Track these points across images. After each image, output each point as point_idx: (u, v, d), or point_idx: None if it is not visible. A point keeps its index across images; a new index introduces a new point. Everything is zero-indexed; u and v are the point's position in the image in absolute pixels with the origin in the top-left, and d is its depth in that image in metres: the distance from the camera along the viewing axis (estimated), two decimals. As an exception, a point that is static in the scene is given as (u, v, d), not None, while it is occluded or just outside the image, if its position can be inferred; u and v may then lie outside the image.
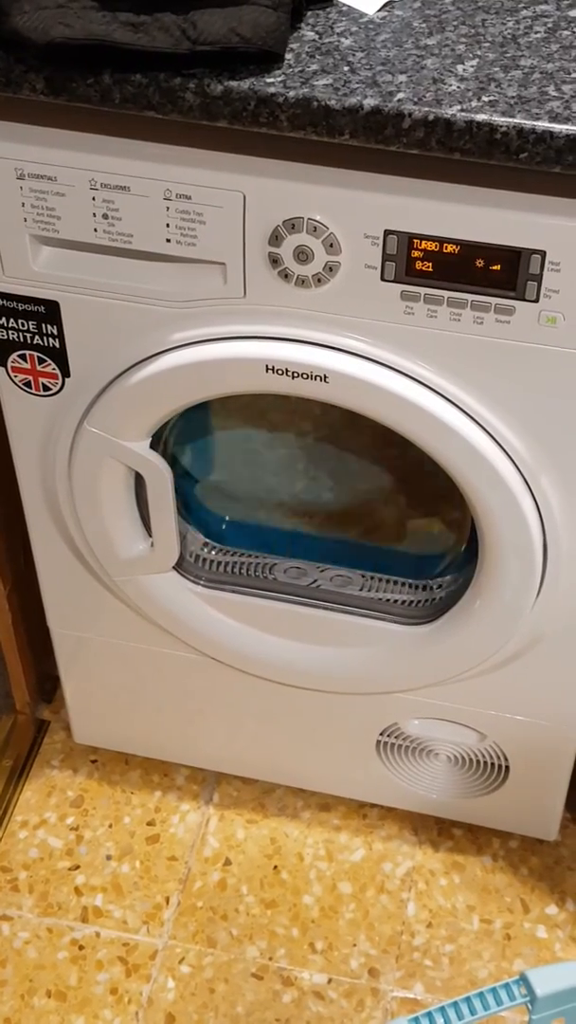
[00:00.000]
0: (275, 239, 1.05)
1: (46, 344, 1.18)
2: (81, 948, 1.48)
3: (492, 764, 1.46)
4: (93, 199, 1.06)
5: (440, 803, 1.53)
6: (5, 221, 1.09)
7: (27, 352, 1.19)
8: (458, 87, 0.97)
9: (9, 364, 1.20)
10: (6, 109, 1.05)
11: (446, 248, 1.02)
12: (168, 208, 1.05)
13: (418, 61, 0.99)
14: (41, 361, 1.19)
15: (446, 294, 1.04)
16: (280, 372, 1.11)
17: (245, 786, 1.62)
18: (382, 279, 1.05)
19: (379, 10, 1.04)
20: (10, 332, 1.18)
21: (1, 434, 1.29)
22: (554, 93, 0.96)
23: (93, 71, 0.99)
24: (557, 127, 0.94)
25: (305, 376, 1.11)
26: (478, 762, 1.47)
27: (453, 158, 0.97)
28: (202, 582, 1.35)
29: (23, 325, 1.17)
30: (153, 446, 1.22)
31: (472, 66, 0.99)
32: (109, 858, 1.56)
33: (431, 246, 1.02)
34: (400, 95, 0.96)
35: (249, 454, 1.37)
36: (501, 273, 1.02)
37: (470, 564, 1.26)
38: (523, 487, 1.14)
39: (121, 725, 1.59)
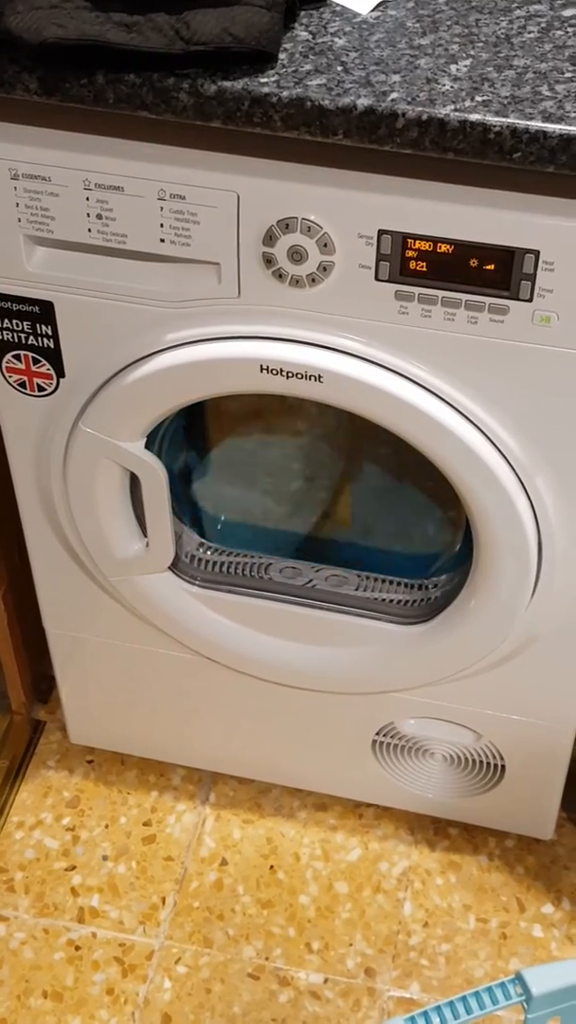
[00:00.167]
0: (269, 239, 1.05)
1: (41, 344, 1.18)
2: (77, 948, 1.48)
3: (488, 763, 1.46)
4: (87, 199, 1.06)
5: (436, 803, 1.53)
6: (-1, 221, 1.10)
7: (22, 352, 1.19)
8: (452, 87, 0.97)
9: (4, 364, 1.20)
10: None
11: (440, 248, 1.02)
12: (162, 208, 1.05)
13: (412, 61, 0.99)
14: (36, 361, 1.19)
15: (440, 294, 1.04)
16: (275, 372, 1.11)
17: (241, 786, 1.62)
18: (376, 279, 1.05)
19: (372, 10, 1.04)
20: (4, 332, 1.18)
21: (-4, 435, 1.30)
22: (547, 93, 0.96)
23: (86, 71, 0.99)
24: (550, 127, 0.94)
25: (300, 376, 1.11)
26: (474, 761, 1.47)
27: (447, 158, 0.97)
28: (197, 582, 1.35)
29: (17, 325, 1.17)
30: (148, 446, 1.22)
31: (466, 66, 0.99)
32: (105, 858, 1.56)
33: (425, 246, 1.02)
34: (394, 95, 0.96)
35: (244, 454, 1.37)
36: (495, 273, 1.02)
37: (465, 564, 1.26)
38: (518, 487, 1.14)
39: (117, 725, 1.59)
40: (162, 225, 1.06)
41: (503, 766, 1.46)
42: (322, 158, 1.02)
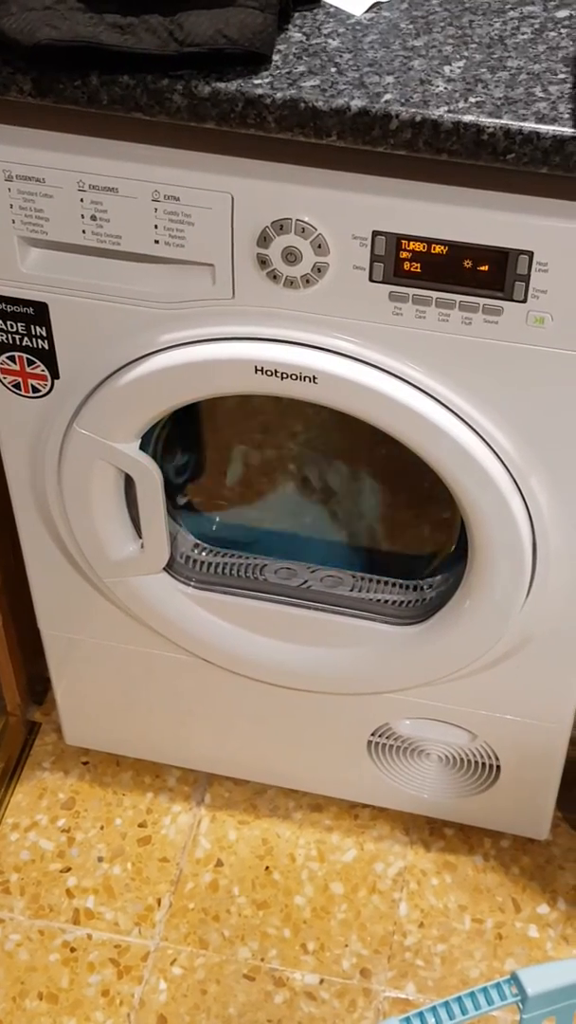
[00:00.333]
0: (263, 240, 1.05)
1: (35, 346, 1.18)
2: (73, 950, 1.47)
3: (483, 764, 1.46)
4: (81, 200, 1.06)
5: (431, 803, 1.53)
6: (-7, 223, 1.10)
7: (16, 354, 1.19)
8: (445, 88, 0.97)
9: (-2, 366, 1.20)
10: (-6, 111, 1.05)
11: (434, 249, 1.02)
12: (156, 209, 1.05)
13: (405, 62, 0.99)
14: (30, 363, 1.19)
15: (434, 295, 1.05)
16: (269, 373, 1.11)
17: (236, 787, 1.62)
18: (370, 280, 1.05)
19: (366, 11, 1.05)
20: (-1, 334, 1.18)
21: (-10, 436, 1.29)
22: (541, 94, 0.96)
23: (80, 73, 0.99)
24: (544, 128, 0.94)
25: (294, 377, 1.11)
26: (469, 762, 1.47)
27: (440, 159, 0.97)
28: (192, 583, 1.35)
29: (12, 327, 1.17)
30: (143, 447, 1.22)
31: (459, 67, 0.99)
32: (100, 860, 1.55)
33: (419, 247, 1.02)
34: (387, 96, 0.96)
35: (239, 454, 1.37)
36: (489, 274, 1.02)
37: (460, 564, 1.26)
38: (512, 487, 1.14)
39: (112, 727, 1.59)
40: (156, 226, 1.06)
41: (498, 766, 1.46)
42: (316, 159, 1.02)
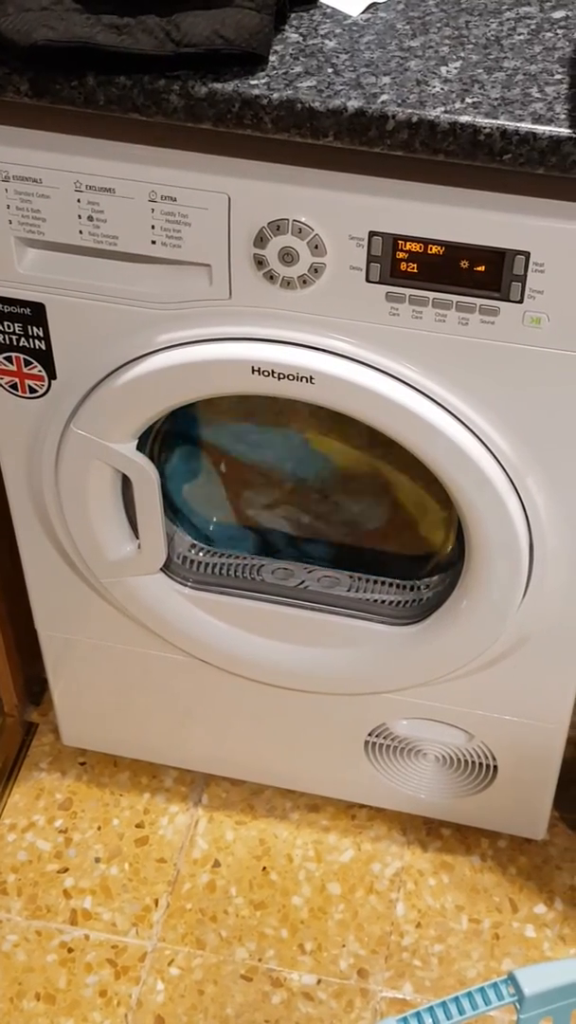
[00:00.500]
0: (260, 241, 1.05)
1: (32, 346, 1.18)
2: (70, 951, 1.47)
3: (480, 764, 1.46)
4: (78, 201, 1.06)
5: (429, 803, 1.53)
6: (-10, 223, 1.10)
7: (13, 354, 1.19)
8: (442, 89, 0.97)
9: (-5, 366, 1.20)
10: (-10, 111, 1.06)
11: (431, 249, 1.02)
12: (153, 210, 1.05)
13: (402, 63, 0.99)
14: (27, 363, 1.19)
15: (431, 295, 1.05)
16: (266, 373, 1.11)
17: (234, 788, 1.62)
18: (367, 280, 1.05)
19: (363, 12, 1.05)
20: (-4, 334, 1.18)
21: (-13, 436, 1.29)
22: (537, 95, 0.96)
23: (77, 73, 0.99)
24: (540, 128, 0.94)
25: (291, 377, 1.11)
26: (466, 762, 1.47)
27: (437, 159, 0.98)
28: (189, 584, 1.35)
29: (9, 327, 1.17)
30: (140, 448, 1.22)
31: (456, 68, 0.99)
32: (98, 860, 1.55)
33: (416, 247, 1.03)
34: (384, 97, 0.96)
35: (236, 455, 1.37)
36: (486, 274, 1.03)
37: (457, 564, 1.26)
38: (509, 487, 1.15)
39: (109, 727, 1.59)
40: (153, 227, 1.06)
41: (495, 766, 1.46)
42: (313, 160, 1.02)
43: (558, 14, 1.05)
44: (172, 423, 1.28)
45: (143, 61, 0.97)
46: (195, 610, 1.36)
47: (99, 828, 1.58)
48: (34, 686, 1.70)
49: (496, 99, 0.96)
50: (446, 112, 0.95)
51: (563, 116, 0.94)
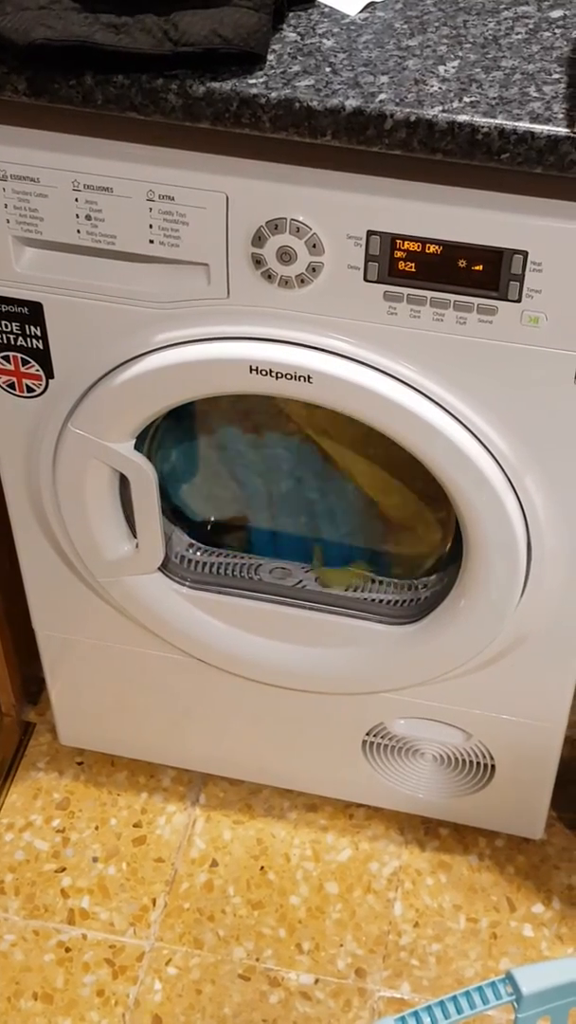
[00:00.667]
0: (258, 240, 1.05)
1: (29, 345, 1.17)
2: (68, 950, 1.47)
3: (478, 763, 1.46)
4: (76, 200, 1.06)
5: (426, 803, 1.53)
6: (-12, 222, 1.10)
7: (11, 353, 1.19)
8: (440, 88, 0.97)
9: (-7, 366, 1.20)
10: (-12, 110, 1.05)
11: (429, 248, 1.02)
12: (151, 209, 1.05)
13: (400, 62, 0.99)
14: (25, 362, 1.19)
15: (429, 294, 1.05)
16: (264, 373, 1.11)
17: (231, 787, 1.62)
18: (365, 279, 1.05)
19: (361, 11, 1.05)
20: (-7, 334, 1.18)
21: (-15, 436, 1.29)
22: (535, 94, 0.96)
23: (75, 72, 0.99)
24: (538, 128, 0.94)
25: (289, 377, 1.11)
26: (464, 761, 1.47)
27: (435, 159, 0.98)
28: (187, 583, 1.35)
29: (6, 326, 1.17)
30: (138, 447, 1.22)
31: (454, 67, 0.99)
32: (95, 860, 1.55)
33: (414, 246, 1.03)
34: (382, 96, 0.96)
35: (234, 455, 1.37)
36: (483, 273, 1.03)
37: (455, 564, 1.26)
38: (507, 486, 1.15)
39: (107, 727, 1.59)
40: (151, 226, 1.06)
41: (493, 766, 1.46)
42: (311, 159, 1.02)
43: (556, 13, 1.05)
44: (170, 422, 1.28)
45: (141, 60, 0.97)
46: (193, 609, 1.36)
47: (97, 828, 1.58)
48: (32, 686, 1.70)
49: (494, 98, 0.96)
50: (444, 111, 0.95)
51: (561, 115, 0.94)
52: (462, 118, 0.95)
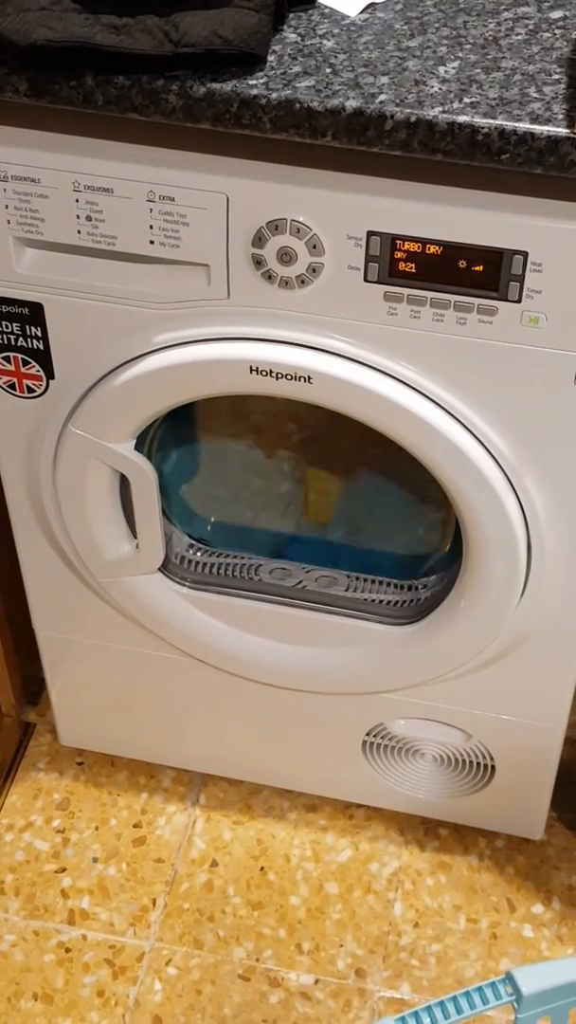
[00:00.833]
0: (258, 240, 1.05)
1: (30, 346, 1.18)
2: (68, 951, 1.47)
3: (478, 763, 1.46)
4: (76, 201, 1.07)
5: (426, 803, 1.53)
6: (-12, 223, 1.10)
7: (11, 354, 1.19)
8: (440, 89, 0.97)
9: (-7, 366, 1.20)
10: (-11, 111, 1.06)
11: (429, 249, 1.03)
12: (151, 210, 1.05)
13: (400, 63, 0.99)
14: (25, 363, 1.19)
15: (429, 295, 1.05)
16: (264, 373, 1.11)
17: (231, 787, 1.62)
18: (365, 280, 1.05)
19: (361, 12, 1.05)
20: (-6, 334, 1.18)
21: (-15, 436, 1.29)
22: (535, 95, 0.96)
23: (76, 73, 0.99)
24: (538, 128, 0.94)
25: (289, 377, 1.11)
26: (464, 762, 1.47)
27: (435, 159, 0.98)
28: (187, 583, 1.35)
29: (7, 327, 1.17)
30: (138, 447, 1.22)
31: (454, 68, 0.99)
32: (95, 860, 1.55)
33: (414, 247, 1.03)
34: (382, 97, 0.96)
35: (234, 455, 1.37)
36: (484, 274, 1.03)
37: (455, 564, 1.26)
38: (507, 487, 1.15)
39: (107, 727, 1.59)
40: (151, 227, 1.06)
41: (493, 766, 1.46)
42: (311, 160, 1.02)
43: (556, 14, 1.05)
44: (170, 423, 1.28)
45: (142, 61, 0.97)
46: (193, 610, 1.36)
47: (97, 828, 1.58)
48: (32, 686, 1.70)
49: (494, 99, 0.96)
50: (444, 112, 0.95)
51: (561, 116, 0.94)
52: (462, 119, 0.95)
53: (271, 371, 1.11)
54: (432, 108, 0.95)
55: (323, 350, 1.10)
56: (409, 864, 1.55)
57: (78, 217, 1.07)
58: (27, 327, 1.16)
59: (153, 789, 1.62)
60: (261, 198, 1.03)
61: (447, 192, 1.01)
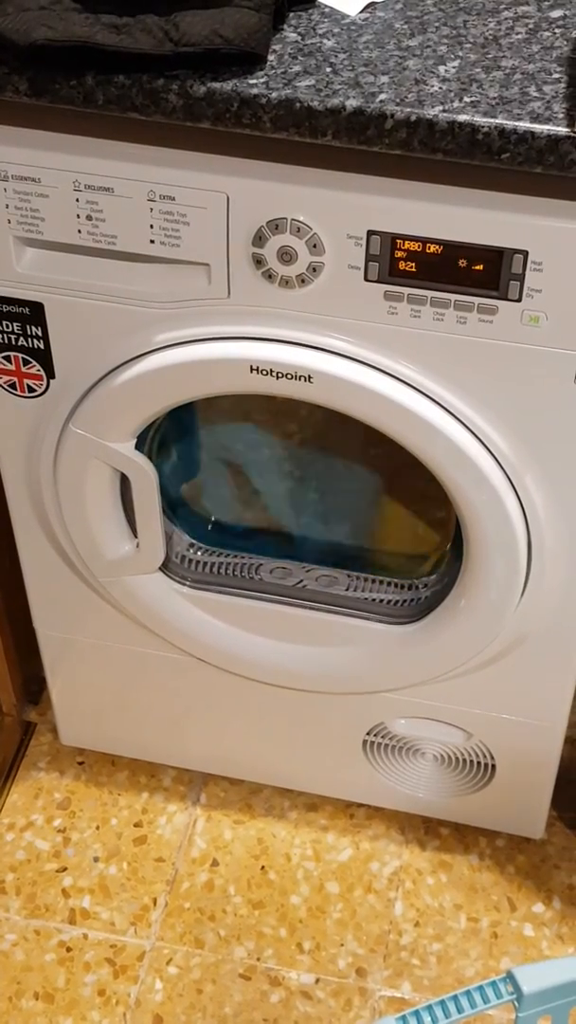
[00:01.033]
0: (259, 240, 1.05)
1: (31, 345, 1.18)
2: (69, 950, 1.48)
3: (478, 763, 1.46)
4: (77, 200, 1.07)
5: (427, 802, 1.54)
6: (-11, 223, 1.10)
7: (12, 353, 1.19)
8: (440, 88, 0.97)
9: (-7, 366, 1.20)
10: (-11, 111, 1.06)
11: (429, 248, 1.03)
12: (152, 209, 1.05)
13: (400, 62, 0.99)
14: (26, 362, 1.19)
15: (429, 294, 1.05)
16: (264, 372, 1.11)
17: (232, 787, 1.62)
18: (365, 279, 1.05)
19: (361, 11, 1.05)
20: (-6, 334, 1.18)
21: (-14, 436, 1.29)
22: (535, 94, 0.96)
23: (76, 73, 0.99)
24: (538, 127, 0.94)
25: (289, 376, 1.11)
26: (464, 761, 1.47)
27: (435, 158, 0.98)
28: (188, 583, 1.35)
29: (7, 327, 1.17)
30: (138, 447, 1.22)
31: (454, 67, 0.99)
32: (96, 860, 1.55)
33: (414, 246, 1.03)
34: (382, 96, 0.96)
35: (234, 455, 1.37)
36: (484, 273, 1.03)
37: (455, 563, 1.26)
38: (507, 486, 1.15)
39: (108, 726, 1.59)
40: (152, 226, 1.06)
41: (493, 765, 1.46)
42: (311, 159, 1.02)
43: (556, 13, 1.05)
44: (170, 422, 1.28)
45: (142, 60, 0.97)
46: (193, 609, 1.36)
47: (97, 827, 1.58)
48: (32, 685, 1.70)
49: (494, 98, 0.96)
50: (444, 111, 0.95)
51: (561, 115, 0.95)
52: (462, 118, 0.95)
53: (271, 370, 1.11)
54: (432, 107, 0.95)
55: (323, 349, 1.10)
56: (410, 863, 1.55)
57: (78, 216, 1.07)
58: (28, 326, 1.16)
59: (154, 788, 1.62)
60: (261, 197, 1.03)
61: (447, 191, 1.01)
